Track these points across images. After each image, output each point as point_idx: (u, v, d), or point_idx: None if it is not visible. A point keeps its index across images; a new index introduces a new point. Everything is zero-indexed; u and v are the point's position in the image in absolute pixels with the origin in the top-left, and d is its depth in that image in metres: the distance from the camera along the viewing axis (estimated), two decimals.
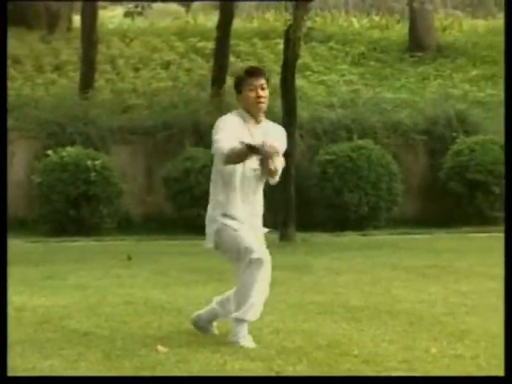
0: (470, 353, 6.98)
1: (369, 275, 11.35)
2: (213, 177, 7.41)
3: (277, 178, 7.43)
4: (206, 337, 7.42)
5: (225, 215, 7.25)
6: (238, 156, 7.02)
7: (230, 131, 7.12)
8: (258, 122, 7.37)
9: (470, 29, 27.68)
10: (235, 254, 7.18)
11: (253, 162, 7.20)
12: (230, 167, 7.19)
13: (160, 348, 6.90)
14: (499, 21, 28.93)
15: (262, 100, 7.30)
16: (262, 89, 7.30)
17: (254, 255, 7.05)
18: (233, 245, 7.20)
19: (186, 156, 17.32)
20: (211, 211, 7.39)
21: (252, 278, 7.07)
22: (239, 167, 7.24)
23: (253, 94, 7.27)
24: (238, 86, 7.40)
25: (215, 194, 7.37)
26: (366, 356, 6.85)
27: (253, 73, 7.39)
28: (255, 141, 7.06)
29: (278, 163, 7.31)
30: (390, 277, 11.22)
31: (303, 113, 17.09)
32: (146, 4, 17.84)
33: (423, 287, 10.41)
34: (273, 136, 7.26)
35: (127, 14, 17.85)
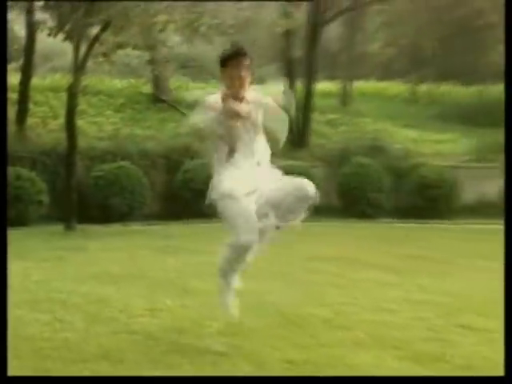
0: (188, 302, 7.10)
1: (128, 253, 11.30)
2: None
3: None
4: None
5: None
6: None
7: None
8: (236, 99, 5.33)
9: (194, 89, 28.05)
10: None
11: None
12: None
13: None
14: (214, 84, 29.48)
15: (240, 81, 5.34)
16: (246, 69, 5.36)
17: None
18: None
19: None
20: None
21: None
22: None
23: (239, 73, 5.31)
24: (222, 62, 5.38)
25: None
26: (122, 307, 6.82)
27: (239, 52, 5.34)
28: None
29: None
30: (144, 253, 11.22)
31: (82, 143, 16.80)
32: None
33: (161, 260, 10.46)
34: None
35: None
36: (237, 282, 5.73)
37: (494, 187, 19.65)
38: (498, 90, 33.66)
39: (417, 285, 8.52)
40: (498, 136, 22.82)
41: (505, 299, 4.50)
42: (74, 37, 14.92)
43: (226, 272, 5.62)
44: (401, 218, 18.40)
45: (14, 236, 14.25)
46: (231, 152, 5.41)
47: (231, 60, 5.31)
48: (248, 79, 5.37)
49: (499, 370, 5.08)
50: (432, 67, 33.66)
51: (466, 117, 29.00)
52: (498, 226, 17.85)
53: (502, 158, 22.55)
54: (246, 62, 5.34)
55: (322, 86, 31.26)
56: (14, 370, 4.80)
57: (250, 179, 5.36)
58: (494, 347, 5.69)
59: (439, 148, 23.77)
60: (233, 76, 5.32)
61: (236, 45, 5.54)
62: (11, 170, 16.20)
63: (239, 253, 5.42)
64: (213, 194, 5.45)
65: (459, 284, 8.73)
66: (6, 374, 4.38)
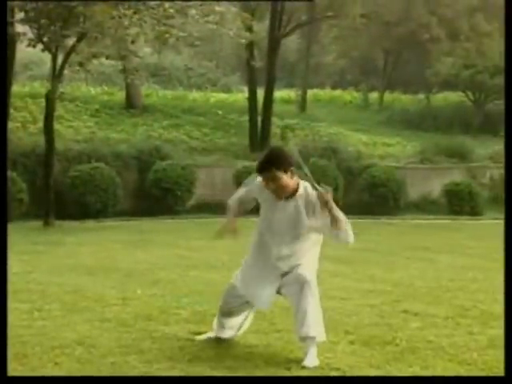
0: (157, 292, 7.07)
1: (102, 246, 11.22)
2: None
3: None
4: None
5: None
6: None
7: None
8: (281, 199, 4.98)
9: (165, 96, 27.91)
10: None
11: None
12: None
13: None
14: (181, 92, 29.36)
15: (274, 191, 4.93)
16: (272, 180, 4.88)
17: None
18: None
19: None
20: None
21: None
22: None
23: (268, 187, 4.93)
24: None
25: None
26: (96, 297, 6.77)
27: (259, 170, 4.94)
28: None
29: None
30: (116, 247, 11.16)
31: (59, 146, 16.67)
32: None
33: (133, 253, 10.40)
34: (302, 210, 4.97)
35: None
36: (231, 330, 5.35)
37: (436, 186, 19.88)
38: (442, 97, 34.08)
39: (366, 275, 8.59)
40: (441, 140, 23.13)
41: (505, 299, 4.26)
42: (51, 47, 14.79)
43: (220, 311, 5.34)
44: (353, 214, 18.47)
45: None
46: (261, 235, 5.10)
47: (261, 174, 4.94)
48: (283, 182, 4.90)
49: (442, 353, 5.14)
50: (382, 77, 33.93)
51: (413, 122, 29.29)
52: (440, 221, 18.14)
53: (443, 159, 22.46)
54: (274, 173, 4.87)
55: (282, 93, 31.37)
56: None
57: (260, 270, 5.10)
58: (437, 331, 5.76)
59: (388, 150, 23.97)
60: (267, 187, 4.95)
61: (265, 156, 4.97)
62: None
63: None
64: None
65: (404, 274, 8.81)
66: (6, 374, 4.11)
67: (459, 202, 19.18)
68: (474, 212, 18.99)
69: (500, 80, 23.92)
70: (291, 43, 33.92)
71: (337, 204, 5.05)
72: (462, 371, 4.74)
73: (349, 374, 4.66)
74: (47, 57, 16.49)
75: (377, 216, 18.20)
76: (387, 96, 34.09)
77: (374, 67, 35.22)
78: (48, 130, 15.43)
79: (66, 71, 15.50)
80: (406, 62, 34.66)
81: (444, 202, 19.50)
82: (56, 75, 15.02)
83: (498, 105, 27.33)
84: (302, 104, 30.12)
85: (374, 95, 34.25)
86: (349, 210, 21.66)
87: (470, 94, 30.04)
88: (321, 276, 8.41)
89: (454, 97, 32.76)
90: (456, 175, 20.43)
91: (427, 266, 9.57)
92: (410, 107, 31.93)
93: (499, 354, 4.78)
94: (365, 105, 33.37)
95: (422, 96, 33.88)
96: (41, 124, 17.04)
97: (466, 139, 23.43)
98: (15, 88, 21.29)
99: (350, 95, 35.00)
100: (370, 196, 19.10)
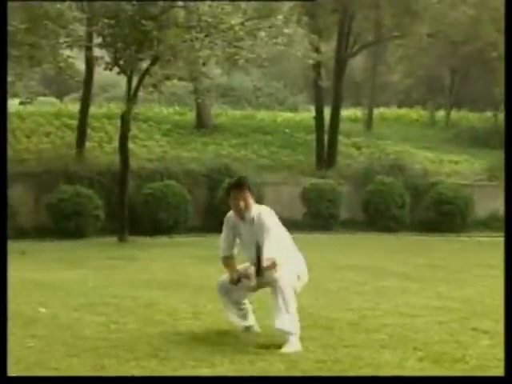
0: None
1: (174, 262, 11.35)
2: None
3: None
4: None
5: None
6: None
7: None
8: (242, 219, 5.73)
9: (234, 116, 28.09)
10: None
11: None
12: None
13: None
14: (250, 111, 29.52)
15: (238, 208, 5.67)
16: (239, 199, 5.65)
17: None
18: None
19: (60, 190, 16.65)
20: None
21: None
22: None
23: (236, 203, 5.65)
24: (227, 193, 5.80)
25: None
26: (169, 311, 6.83)
27: (233, 186, 5.75)
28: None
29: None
30: (188, 262, 11.28)
31: (133, 164, 16.97)
32: (33, 96, 16.90)
33: (203, 269, 10.46)
34: (257, 228, 5.63)
35: (22, 103, 16.85)
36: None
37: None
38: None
39: (434, 292, 8.43)
40: None
41: (505, 301, 4.27)
42: (127, 70, 15.13)
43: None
44: (420, 231, 18.24)
45: (73, 246, 14.43)
46: None
47: (232, 191, 5.70)
48: (246, 204, 5.66)
49: None
50: (448, 95, 33.42)
51: (480, 140, 28.69)
52: None
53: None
54: (244, 193, 5.66)
55: (348, 111, 31.21)
56: (72, 367, 4.82)
57: None
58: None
59: (455, 168, 23.55)
60: (235, 203, 5.69)
61: (237, 178, 5.92)
62: (72, 188, 16.44)
63: None
64: None
65: (473, 291, 8.61)
66: (6, 373, 4.07)
67: None
68: None
69: None
70: (357, 63, 33.71)
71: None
72: None
73: None
74: (123, 79, 16.86)
75: (444, 233, 17.88)
76: (454, 114, 33.53)
77: (440, 85, 34.70)
78: (123, 149, 15.75)
79: (140, 92, 15.82)
80: (473, 80, 34.04)
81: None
82: (131, 96, 15.34)
83: None
84: (369, 122, 29.89)
85: (440, 113, 33.74)
86: (416, 227, 21.36)
87: None
88: (389, 292, 8.35)
89: None
90: None
91: (495, 283, 9.32)
92: (476, 125, 31.33)
93: None
94: (431, 123, 32.88)
95: (489, 114, 33.21)
96: (116, 143, 17.42)
97: None
98: (92, 109, 21.81)
99: (416, 113, 34.55)
100: (436, 213, 18.79)
